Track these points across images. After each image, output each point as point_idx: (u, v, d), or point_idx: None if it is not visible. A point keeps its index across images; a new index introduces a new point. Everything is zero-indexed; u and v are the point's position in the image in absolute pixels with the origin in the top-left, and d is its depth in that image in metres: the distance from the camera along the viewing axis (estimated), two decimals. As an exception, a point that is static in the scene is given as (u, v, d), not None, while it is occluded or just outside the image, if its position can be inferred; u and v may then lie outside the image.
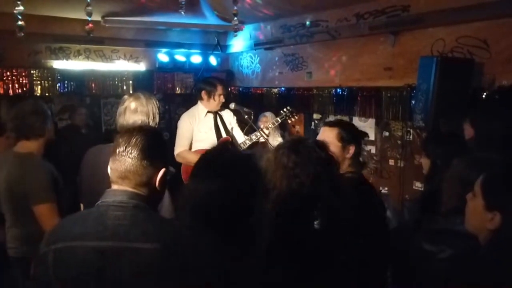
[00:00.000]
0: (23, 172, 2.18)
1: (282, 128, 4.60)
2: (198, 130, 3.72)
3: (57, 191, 2.24)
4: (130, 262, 1.16)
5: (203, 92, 3.71)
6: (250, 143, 3.74)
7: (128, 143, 1.28)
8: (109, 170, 1.32)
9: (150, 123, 2.09)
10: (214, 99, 3.70)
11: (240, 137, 3.91)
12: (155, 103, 2.19)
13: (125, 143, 1.28)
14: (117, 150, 1.29)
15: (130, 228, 1.20)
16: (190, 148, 3.75)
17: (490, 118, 2.34)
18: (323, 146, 1.51)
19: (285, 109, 3.89)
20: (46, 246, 1.24)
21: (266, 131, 3.72)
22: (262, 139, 3.71)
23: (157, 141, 1.37)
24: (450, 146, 2.16)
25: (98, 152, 2.10)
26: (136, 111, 2.10)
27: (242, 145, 3.76)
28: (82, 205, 2.30)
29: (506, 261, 1.11)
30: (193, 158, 3.57)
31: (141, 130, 1.34)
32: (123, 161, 1.27)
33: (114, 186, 1.29)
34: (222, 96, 3.75)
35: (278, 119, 3.84)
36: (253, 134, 3.73)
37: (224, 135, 3.83)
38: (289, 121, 3.95)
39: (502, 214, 1.16)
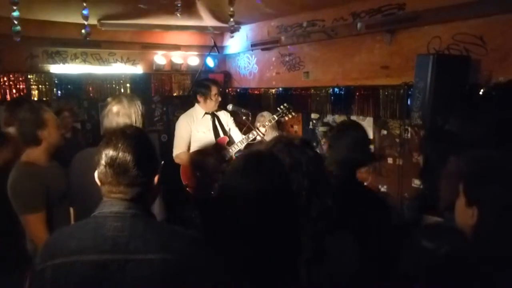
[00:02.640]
0: (14, 181, 2.16)
1: (281, 128, 4.60)
2: (196, 130, 3.78)
3: (53, 201, 2.20)
4: (133, 274, 1.12)
5: (198, 95, 3.79)
6: (247, 142, 3.76)
7: (116, 155, 1.20)
8: (97, 182, 1.26)
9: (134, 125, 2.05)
10: (210, 99, 3.77)
11: (237, 137, 3.94)
12: (138, 105, 2.19)
13: (113, 153, 1.20)
14: (103, 162, 1.21)
15: (130, 240, 1.16)
16: (189, 148, 3.79)
17: (486, 115, 2.35)
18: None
19: (282, 106, 3.89)
20: (42, 262, 1.17)
21: (263, 129, 3.73)
22: (259, 138, 3.71)
23: (145, 148, 1.29)
24: (446, 143, 2.16)
25: (88, 156, 2.06)
26: (118, 114, 2.12)
27: (239, 144, 3.78)
28: (72, 210, 2.29)
29: (487, 256, 1.14)
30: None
31: (125, 137, 1.24)
32: (114, 175, 1.20)
33: (110, 195, 1.24)
34: (217, 96, 3.82)
35: (275, 116, 3.83)
36: (250, 133, 3.75)
37: (222, 135, 3.87)
38: (286, 118, 3.91)
39: (479, 209, 1.18)
